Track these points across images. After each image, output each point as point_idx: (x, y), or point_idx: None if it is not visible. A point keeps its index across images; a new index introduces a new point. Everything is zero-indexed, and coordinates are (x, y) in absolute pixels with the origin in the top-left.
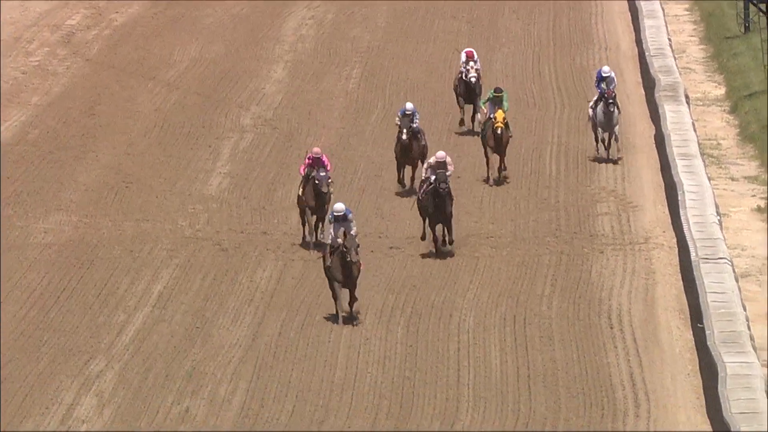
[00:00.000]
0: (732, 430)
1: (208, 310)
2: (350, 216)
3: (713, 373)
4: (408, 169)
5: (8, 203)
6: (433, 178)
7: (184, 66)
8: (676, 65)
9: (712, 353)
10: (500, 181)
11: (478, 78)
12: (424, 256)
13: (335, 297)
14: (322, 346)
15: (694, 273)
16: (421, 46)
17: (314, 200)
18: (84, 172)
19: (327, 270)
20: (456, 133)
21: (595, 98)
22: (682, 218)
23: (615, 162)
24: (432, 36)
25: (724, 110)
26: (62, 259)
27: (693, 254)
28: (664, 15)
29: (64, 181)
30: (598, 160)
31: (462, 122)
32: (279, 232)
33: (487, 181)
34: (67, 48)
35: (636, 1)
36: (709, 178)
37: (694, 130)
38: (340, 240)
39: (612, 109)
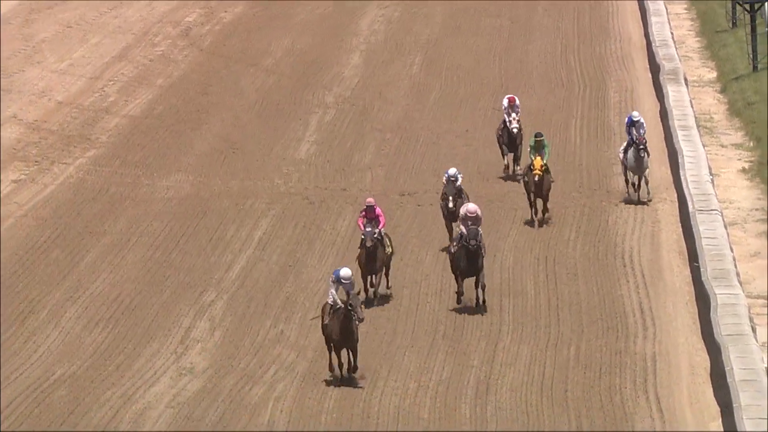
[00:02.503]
0: (721, 349)
1: (299, 252)
2: (353, 279)
3: (706, 303)
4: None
5: (138, 165)
6: (463, 233)
7: (279, 55)
8: (677, 54)
9: (706, 287)
10: (543, 222)
11: (520, 128)
12: None
13: (330, 350)
14: (391, 280)
15: (691, 222)
16: (471, 39)
17: (365, 259)
18: (199, 140)
19: (324, 328)
20: (500, 177)
21: (625, 143)
22: (682, 178)
23: (645, 203)
24: (480, 30)
25: (716, 90)
26: (181, 210)
27: (690, 207)
28: (667, 13)
29: (182, 148)
30: (629, 201)
31: (506, 168)
32: (356, 189)
33: (531, 224)
34: (185, 40)
35: (644, 2)
36: (704, 145)
37: (692, 107)
38: (340, 302)
39: (642, 155)
